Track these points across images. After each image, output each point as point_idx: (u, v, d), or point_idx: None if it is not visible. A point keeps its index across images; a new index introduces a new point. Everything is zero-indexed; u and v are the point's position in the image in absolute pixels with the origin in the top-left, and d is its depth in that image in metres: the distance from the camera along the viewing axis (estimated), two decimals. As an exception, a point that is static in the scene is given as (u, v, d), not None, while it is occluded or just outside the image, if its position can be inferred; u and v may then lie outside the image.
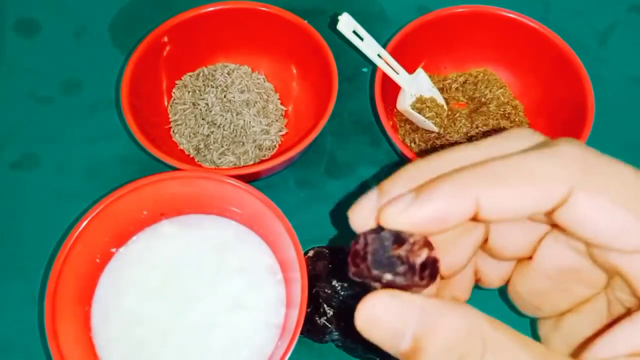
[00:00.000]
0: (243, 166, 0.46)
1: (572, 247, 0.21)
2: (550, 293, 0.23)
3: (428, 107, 0.47)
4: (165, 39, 0.46)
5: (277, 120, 0.48)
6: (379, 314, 0.18)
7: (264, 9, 0.46)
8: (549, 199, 0.18)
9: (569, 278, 0.22)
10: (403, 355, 0.19)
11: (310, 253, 0.42)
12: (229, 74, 0.49)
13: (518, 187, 0.19)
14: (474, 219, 0.19)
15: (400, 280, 0.19)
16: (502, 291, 0.38)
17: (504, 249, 0.23)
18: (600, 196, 0.18)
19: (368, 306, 0.18)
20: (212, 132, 0.47)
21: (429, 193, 0.19)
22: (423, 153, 0.47)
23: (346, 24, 0.42)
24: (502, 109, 0.48)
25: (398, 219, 0.19)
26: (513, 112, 0.48)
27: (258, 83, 0.49)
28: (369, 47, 0.44)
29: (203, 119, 0.47)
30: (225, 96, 0.48)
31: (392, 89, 0.47)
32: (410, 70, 0.47)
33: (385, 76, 0.45)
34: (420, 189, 0.20)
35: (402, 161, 0.48)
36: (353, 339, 0.39)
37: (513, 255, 0.23)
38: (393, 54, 0.45)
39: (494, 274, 0.24)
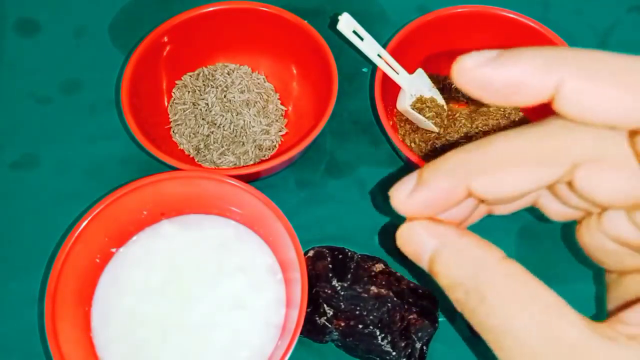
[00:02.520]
0: (243, 166, 0.46)
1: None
2: (614, 254, 0.22)
3: (428, 107, 0.47)
4: (165, 39, 0.46)
5: (277, 120, 0.48)
6: (409, 235, 0.22)
7: (264, 9, 0.46)
8: (542, 90, 0.18)
9: (633, 249, 0.21)
10: (427, 265, 0.22)
11: (310, 253, 0.42)
12: (229, 74, 0.49)
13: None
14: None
15: None
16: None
17: (595, 192, 0.20)
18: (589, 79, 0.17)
19: (405, 227, 0.22)
20: (212, 132, 0.47)
21: (513, 57, 0.19)
22: (426, 154, 0.47)
23: (346, 24, 0.42)
24: (502, 109, 0.48)
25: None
26: (513, 112, 0.48)
27: (258, 83, 0.49)
28: (369, 47, 0.44)
29: (203, 119, 0.47)
30: (225, 96, 0.48)
31: (392, 89, 0.47)
32: (410, 70, 0.47)
33: (385, 76, 0.45)
34: (502, 54, 0.19)
35: (401, 161, 0.48)
36: (353, 339, 0.39)
37: (605, 201, 0.20)
38: (393, 54, 0.45)
39: (557, 212, 0.24)
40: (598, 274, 0.45)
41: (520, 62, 0.18)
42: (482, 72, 0.19)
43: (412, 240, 0.22)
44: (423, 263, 0.22)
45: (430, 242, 0.21)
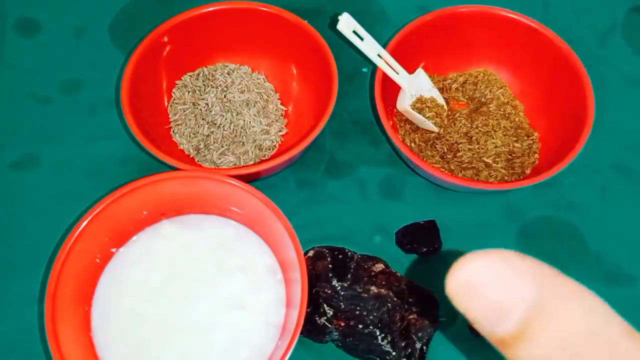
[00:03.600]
0: (243, 166, 0.46)
1: None
2: None
3: (428, 107, 0.47)
4: (165, 39, 0.46)
5: (277, 120, 0.48)
6: (483, 281, 0.14)
7: (264, 9, 0.46)
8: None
9: None
10: (500, 339, 0.15)
11: (310, 253, 0.42)
12: (229, 74, 0.49)
13: None
14: None
15: None
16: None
17: None
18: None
19: (470, 266, 0.14)
20: (212, 132, 0.47)
21: None
22: (426, 154, 0.47)
23: (346, 24, 0.42)
24: (502, 109, 0.48)
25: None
26: (513, 112, 0.48)
27: (258, 83, 0.49)
28: (369, 47, 0.44)
29: (203, 119, 0.47)
30: (225, 96, 0.48)
31: (392, 89, 0.47)
32: (410, 70, 0.47)
33: (385, 76, 0.45)
34: None
35: (401, 161, 0.48)
36: (353, 339, 0.39)
37: None
38: (393, 54, 0.45)
39: None
40: (598, 274, 0.45)
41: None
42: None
43: (485, 293, 0.14)
44: (499, 330, 0.14)
45: (527, 288, 0.14)
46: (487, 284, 0.14)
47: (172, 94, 0.49)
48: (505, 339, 0.14)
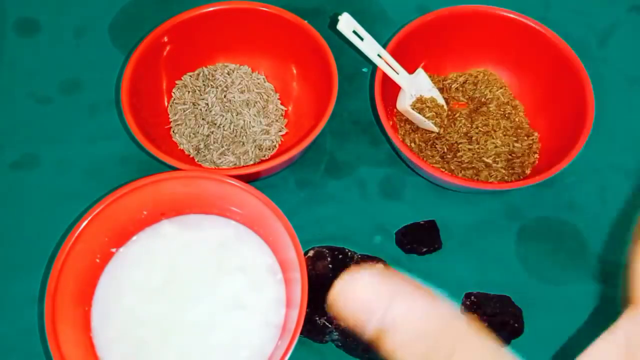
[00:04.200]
0: (243, 166, 0.46)
1: None
2: None
3: (428, 107, 0.47)
4: (165, 39, 0.46)
5: (277, 120, 0.48)
6: (353, 292, 0.20)
7: (264, 9, 0.46)
8: None
9: None
10: (371, 337, 0.20)
11: (310, 253, 0.42)
12: (229, 74, 0.49)
13: None
14: None
15: None
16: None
17: None
18: None
19: (344, 281, 0.20)
20: (212, 132, 0.47)
21: None
22: (425, 154, 0.47)
23: (346, 24, 0.42)
24: (502, 109, 0.48)
25: None
26: (513, 112, 0.48)
27: (258, 83, 0.49)
28: (369, 47, 0.44)
29: (203, 119, 0.47)
30: (225, 96, 0.48)
31: (392, 89, 0.47)
32: (410, 70, 0.47)
33: (385, 76, 0.45)
34: None
35: (401, 161, 0.48)
36: (353, 339, 0.39)
37: None
38: (393, 54, 0.45)
39: None
40: (598, 274, 0.45)
41: None
42: None
43: (354, 308, 0.22)
44: (373, 325, 0.21)
45: (384, 296, 0.20)
46: (356, 294, 0.20)
47: (172, 94, 0.49)
48: (374, 337, 0.20)
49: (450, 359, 0.19)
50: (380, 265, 0.20)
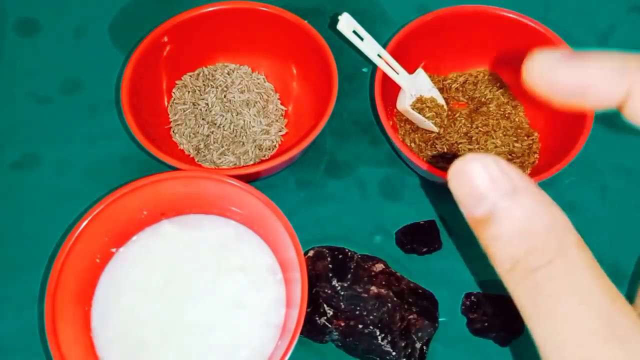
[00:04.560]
0: (243, 166, 0.46)
1: None
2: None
3: (428, 107, 0.47)
4: (165, 39, 0.46)
5: (277, 120, 0.48)
6: (473, 170, 0.18)
7: (264, 9, 0.46)
8: None
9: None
10: (475, 220, 0.19)
11: (310, 253, 0.42)
12: (229, 74, 0.49)
13: None
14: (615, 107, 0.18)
15: None
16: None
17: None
18: None
19: (468, 160, 0.18)
20: (212, 132, 0.47)
21: (585, 59, 0.18)
22: (425, 154, 0.47)
23: (346, 24, 0.42)
24: (502, 109, 0.48)
25: (543, 75, 0.18)
26: (513, 112, 0.48)
27: (258, 83, 0.49)
28: (369, 47, 0.44)
29: (203, 119, 0.47)
30: (225, 96, 0.48)
31: (392, 89, 0.47)
32: (410, 70, 0.47)
33: (385, 76, 0.45)
34: (574, 55, 0.18)
35: (402, 161, 0.48)
36: (353, 339, 0.39)
37: None
38: (393, 54, 0.45)
39: None
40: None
41: (593, 64, 0.18)
42: (553, 72, 0.18)
43: (473, 179, 0.19)
44: (476, 212, 0.19)
45: (498, 187, 0.18)
46: (475, 172, 0.18)
47: (172, 94, 0.49)
48: (477, 221, 0.19)
49: (538, 272, 0.17)
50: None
